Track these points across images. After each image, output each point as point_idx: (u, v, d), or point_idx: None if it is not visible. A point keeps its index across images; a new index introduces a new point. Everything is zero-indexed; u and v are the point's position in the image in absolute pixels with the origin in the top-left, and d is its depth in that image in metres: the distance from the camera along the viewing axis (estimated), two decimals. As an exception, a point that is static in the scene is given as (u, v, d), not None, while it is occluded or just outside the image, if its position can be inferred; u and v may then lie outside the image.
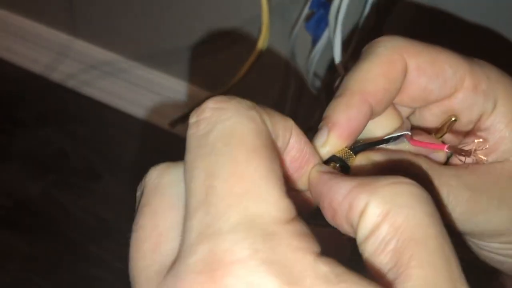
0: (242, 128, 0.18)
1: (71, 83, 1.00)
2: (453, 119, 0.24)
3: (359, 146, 0.23)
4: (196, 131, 0.18)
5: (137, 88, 0.96)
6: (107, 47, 0.95)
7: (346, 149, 0.23)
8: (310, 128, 0.76)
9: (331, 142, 0.22)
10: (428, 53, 0.23)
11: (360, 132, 0.23)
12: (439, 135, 0.25)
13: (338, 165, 0.23)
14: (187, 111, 0.75)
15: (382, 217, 0.17)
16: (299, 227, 0.16)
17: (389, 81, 0.23)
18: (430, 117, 0.25)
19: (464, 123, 0.24)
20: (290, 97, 0.75)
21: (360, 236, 0.17)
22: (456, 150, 0.22)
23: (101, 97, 0.99)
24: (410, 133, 0.24)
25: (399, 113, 0.25)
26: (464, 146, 0.22)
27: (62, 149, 0.96)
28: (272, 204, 0.16)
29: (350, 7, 0.46)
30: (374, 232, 0.17)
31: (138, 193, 0.21)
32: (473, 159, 0.22)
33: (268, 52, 0.66)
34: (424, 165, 0.23)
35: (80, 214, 0.90)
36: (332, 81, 0.64)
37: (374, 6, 0.52)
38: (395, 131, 0.24)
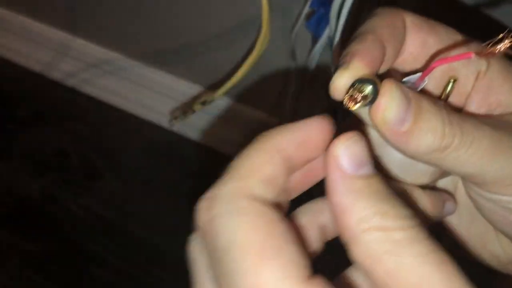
0: (235, 236, 0.18)
1: (71, 82, 1.00)
2: (453, 80, 0.24)
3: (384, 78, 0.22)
4: (205, 243, 0.20)
5: (137, 86, 0.96)
6: (107, 46, 0.95)
7: (371, 75, 0.21)
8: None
9: (354, 66, 0.21)
10: (421, 16, 0.25)
11: (378, 66, 0.22)
12: (443, 99, 0.25)
13: (366, 90, 0.20)
14: (187, 109, 0.75)
15: (372, 260, 0.18)
16: None
17: (393, 28, 0.23)
18: (431, 83, 0.25)
19: (463, 85, 0.25)
20: (291, 96, 0.74)
21: (355, 260, 0.19)
22: (484, 49, 0.21)
23: (101, 95, 0.99)
24: (421, 72, 0.23)
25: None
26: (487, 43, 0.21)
27: (62, 147, 0.96)
28: None
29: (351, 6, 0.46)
30: (372, 272, 0.18)
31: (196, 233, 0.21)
32: (505, 47, 0.20)
33: (268, 51, 0.66)
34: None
35: (80, 213, 0.90)
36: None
37: (374, 4, 0.52)
38: None
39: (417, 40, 0.24)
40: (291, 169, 0.20)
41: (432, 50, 0.24)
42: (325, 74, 0.70)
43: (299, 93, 0.75)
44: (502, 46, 0.20)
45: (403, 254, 0.18)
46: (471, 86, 0.25)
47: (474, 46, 0.24)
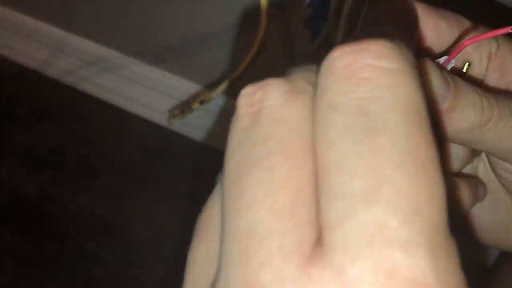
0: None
1: (68, 79, 0.99)
2: (467, 64, 0.24)
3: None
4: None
5: (135, 84, 0.95)
6: (104, 43, 0.95)
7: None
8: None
9: None
10: (426, 4, 0.24)
11: None
12: (464, 71, 0.25)
13: None
14: (185, 108, 0.75)
15: None
16: None
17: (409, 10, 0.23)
18: None
19: (478, 67, 0.24)
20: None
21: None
22: None
23: (98, 93, 0.98)
24: (447, 55, 0.23)
25: None
26: None
27: (59, 145, 0.95)
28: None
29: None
30: None
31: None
32: None
33: (267, 48, 0.66)
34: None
35: (77, 211, 0.89)
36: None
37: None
38: None
39: (430, 25, 0.24)
40: None
41: (445, 34, 0.24)
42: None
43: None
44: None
45: None
46: (485, 68, 0.25)
47: (482, 29, 0.24)
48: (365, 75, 0.14)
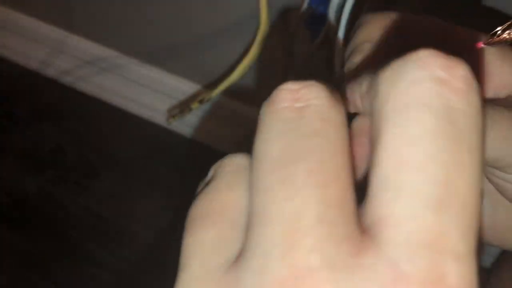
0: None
1: (66, 79, 0.99)
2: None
3: None
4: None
5: (134, 84, 0.95)
6: (103, 43, 0.94)
7: None
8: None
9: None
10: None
11: None
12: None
13: None
14: (184, 107, 0.75)
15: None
16: None
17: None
18: None
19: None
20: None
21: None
22: (490, 38, 0.21)
23: (97, 93, 0.98)
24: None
25: None
26: None
27: (59, 145, 0.95)
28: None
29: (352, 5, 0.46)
30: None
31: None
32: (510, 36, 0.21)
33: (267, 49, 0.66)
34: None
35: (77, 211, 0.89)
36: (332, 78, 0.64)
37: (375, 0, 0.52)
38: None
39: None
40: None
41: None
42: (322, 73, 0.70)
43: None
44: (507, 35, 0.20)
45: None
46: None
47: (481, 36, 0.23)
48: (459, 85, 0.14)
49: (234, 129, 0.89)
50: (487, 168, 0.24)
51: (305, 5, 0.58)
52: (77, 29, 0.95)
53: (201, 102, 0.72)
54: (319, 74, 0.65)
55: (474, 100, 0.14)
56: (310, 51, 0.62)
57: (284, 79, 0.17)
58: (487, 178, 0.25)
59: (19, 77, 1.01)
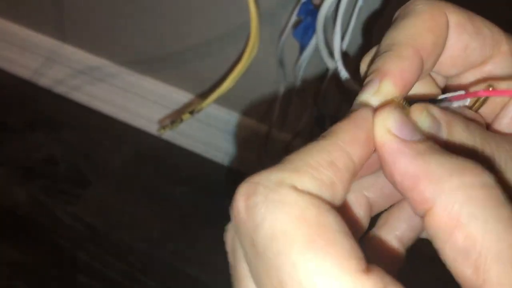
0: (281, 225, 0.16)
1: (59, 89, 1.00)
2: (490, 88, 0.22)
3: (412, 101, 0.20)
4: (240, 239, 0.17)
5: (126, 93, 0.96)
6: (96, 53, 0.95)
7: (399, 101, 0.20)
8: (298, 133, 0.77)
9: (384, 89, 0.20)
10: (466, 12, 0.23)
11: (411, 87, 0.21)
12: (476, 107, 0.23)
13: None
14: (175, 118, 0.75)
15: (453, 223, 0.16)
16: None
17: (436, 36, 0.21)
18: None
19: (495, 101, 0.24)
20: (279, 104, 0.75)
21: (430, 232, 0.17)
22: None
23: (90, 102, 0.98)
24: (464, 92, 0.22)
25: (436, 82, 0.24)
26: None
27: (51, 154, 0.95)
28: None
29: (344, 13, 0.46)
30: (449, 238, 0.16)
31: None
32: None
33: (257, 58, 0.66)
34: (477, 128, 0.21)
35: (68, 221, 0.89)
36: (320, 88, 0.64)
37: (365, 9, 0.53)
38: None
39: (459, 44, 0.22)
40: (355, 174, 0.19)
41: (473, 55, 0.23)
42: (312, 81, 0.71)
43: (287, 101, 0.75)
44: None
45: (488, 218, 0.16)
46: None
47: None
48: (239, 218, 0.17)
49: (226, 138, 0.89)
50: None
51: (294, 15, 0.59)
52: (70, 39, 0.96)
53: (191, 113, 0.72)
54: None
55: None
56: (300, 61, 0.63)
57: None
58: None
59: (12, 86, 1.01)
